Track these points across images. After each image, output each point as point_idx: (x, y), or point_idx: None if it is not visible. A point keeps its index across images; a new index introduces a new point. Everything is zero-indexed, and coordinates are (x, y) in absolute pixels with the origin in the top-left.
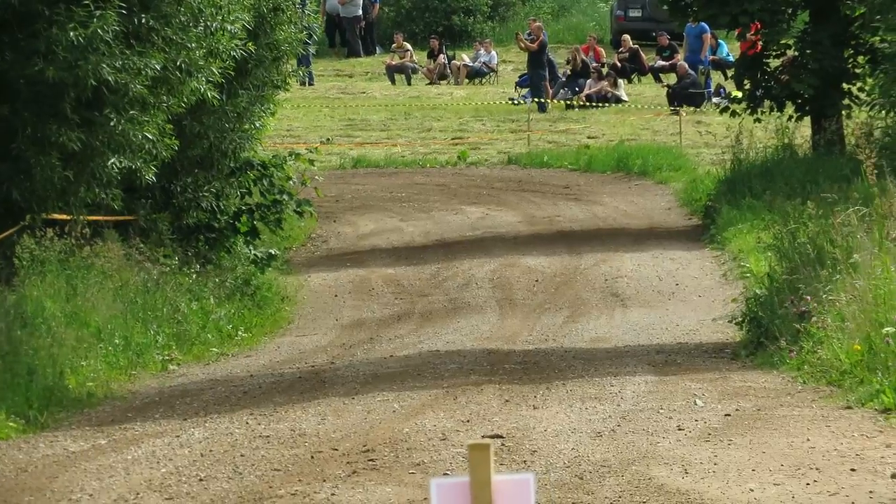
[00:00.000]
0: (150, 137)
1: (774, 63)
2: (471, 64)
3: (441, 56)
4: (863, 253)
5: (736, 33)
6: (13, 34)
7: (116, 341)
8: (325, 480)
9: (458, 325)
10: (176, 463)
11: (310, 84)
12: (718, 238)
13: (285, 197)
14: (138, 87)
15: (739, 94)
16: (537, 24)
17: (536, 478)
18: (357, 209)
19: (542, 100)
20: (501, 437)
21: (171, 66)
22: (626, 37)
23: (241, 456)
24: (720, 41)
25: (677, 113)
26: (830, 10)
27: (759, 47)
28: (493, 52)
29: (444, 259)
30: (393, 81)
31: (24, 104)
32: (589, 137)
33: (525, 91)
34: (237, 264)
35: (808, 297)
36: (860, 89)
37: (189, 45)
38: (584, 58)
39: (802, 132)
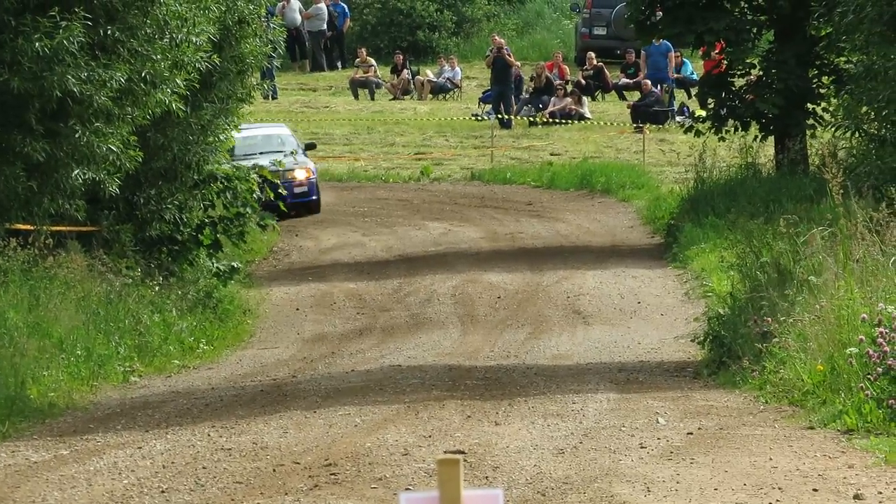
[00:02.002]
0: (115, 149)
1: (739, 82)
2: (435, 79)
3: (405, 71)
4: (826, 273)
5: (700, 52)
6: None
7: (78, 352)
8: (286, 494)
9: (420, 341)
10: (138, 475)
11: (273, 98)
12: (681, 257)
13: (248, 210)
14: (103, 98)
15: (703, 113)
16: (499, 40)
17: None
18: (319, 223)
19: (505, 116)
20: (463, 452)
21: (137, 78)
22: (591, 54)
23: (203, 468)
24: (685, 59)
25: (641, 131)
26: (795, 30)
27: (724, 66)
28: (458, 68)
29: (406, 274)
30: (356, 96)
31: None
32: (552, 154)
33: (488, 107)
34: (199, 277)
35: (771, 319)
36: (824, 109)
37: (154, 57)
38: (549, 75)
39: (766, 152)
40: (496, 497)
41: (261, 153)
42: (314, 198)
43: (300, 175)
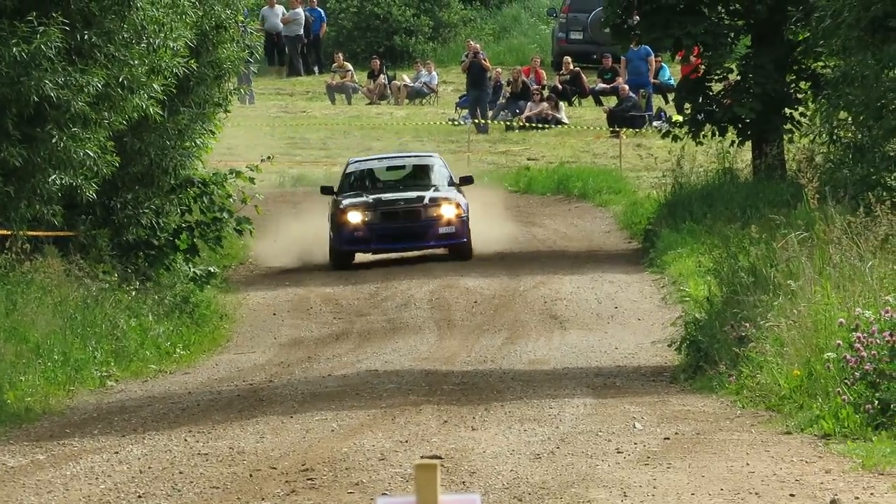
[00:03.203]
0: (92, 154)
1: (716, 87)
2: (411, 84)
3: (381, 76)
4: (803, 278)
5: (678, 57)
6: None
7: (55, 357)
8: (263, 499)
9: (397, 346)
10: (115, 479)
11: (250, 103)
12: (658, 262)
13: (225, 215)
14: (80, 103)
15: (680, 118)
16: (475, 45)
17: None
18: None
19: (481, 121)
20: (440, 457)
21: (114, 83)
22: (568, 59)
23: (180, 473)
24: (663, 64)
25: (618, 136)
26: (773, 35)
27: (701, 71)
28: (434, 73)
29: (382, 279)
30: (333, 101)
31: None
32: (529, 159)
33: (465, 112)
34: (176, 282)
35: (747, 324)
36: (802, 114)
37: (131, 62)
38: (525, 80)
39: (743, 157)
40: (473, 502)
41: (403, 186)
42: (464, 240)
43: (447, 212)
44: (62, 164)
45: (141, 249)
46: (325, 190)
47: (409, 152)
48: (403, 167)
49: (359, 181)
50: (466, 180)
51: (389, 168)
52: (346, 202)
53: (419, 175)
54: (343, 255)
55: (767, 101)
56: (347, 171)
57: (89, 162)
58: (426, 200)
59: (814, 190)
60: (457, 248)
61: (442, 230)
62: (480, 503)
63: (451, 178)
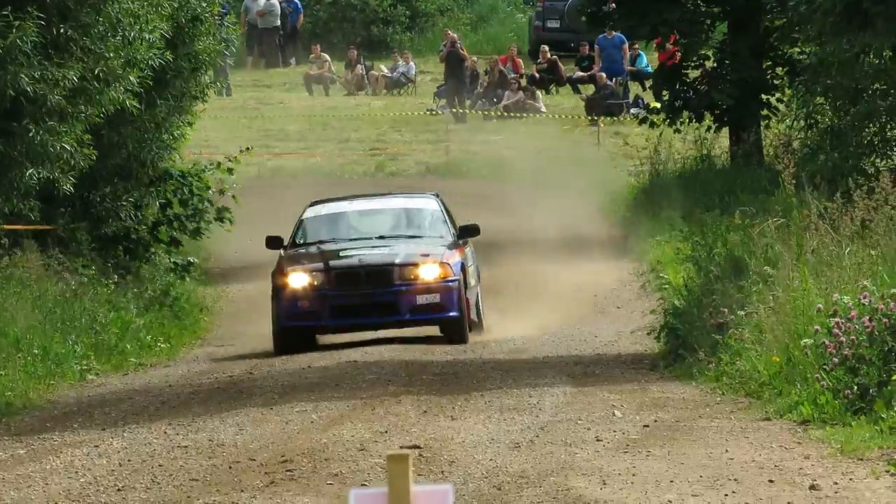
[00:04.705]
0: (69, 148)
1: (693, 74)
2: (389, 74)
3: (359, 67)
4: (781, 265)
5: (655, 44)
6: None
7: (35, 351)
8: (243, 491)
9: (376, 334)
10: (94, 473)
11: (227, 95)
12: (637, 249)
13: (205, 205)
14: (57, 97)
15: (658, 105)
16: (452, 34)
17: (455, 488)
18: (275, 219)
19: (459, 110)
20: (419, 447)
21: (90, 76)
22: (545, 47)
23: (160, 466)
24: (640, 52)
25: (596, 124)
26: (749, 21)
27: (678, 58)
28: (412, 63)
29: None
30: (311, 92)
31: None
32: (507, 148)
33: (443, 102)
34: (156, 275)
35: (726, 311)
36: (779, 100)
37: (107, 55)
38: (503, 69)
39: (721, 143)
40: (446, 493)
41: (380, 238)
42: (453, 314)
43: (428, 275)
44: (39, 158)
45: (120, 242)
46: (272, 242)
47: (394, 192)
48: (382, 212)
49: (318, 232)
50: (470, 231)
51: (363, 214)
52: (289, 261)
53: (402, 223)
54: (286, 333)
55: (744, 88)
56: (304, 217)
57: (66, 155)
58: (399, 259)
59: (791, 176)
60: (445, 326)
61: (421, 300)
62: (453, 494)
63: (449, 226)
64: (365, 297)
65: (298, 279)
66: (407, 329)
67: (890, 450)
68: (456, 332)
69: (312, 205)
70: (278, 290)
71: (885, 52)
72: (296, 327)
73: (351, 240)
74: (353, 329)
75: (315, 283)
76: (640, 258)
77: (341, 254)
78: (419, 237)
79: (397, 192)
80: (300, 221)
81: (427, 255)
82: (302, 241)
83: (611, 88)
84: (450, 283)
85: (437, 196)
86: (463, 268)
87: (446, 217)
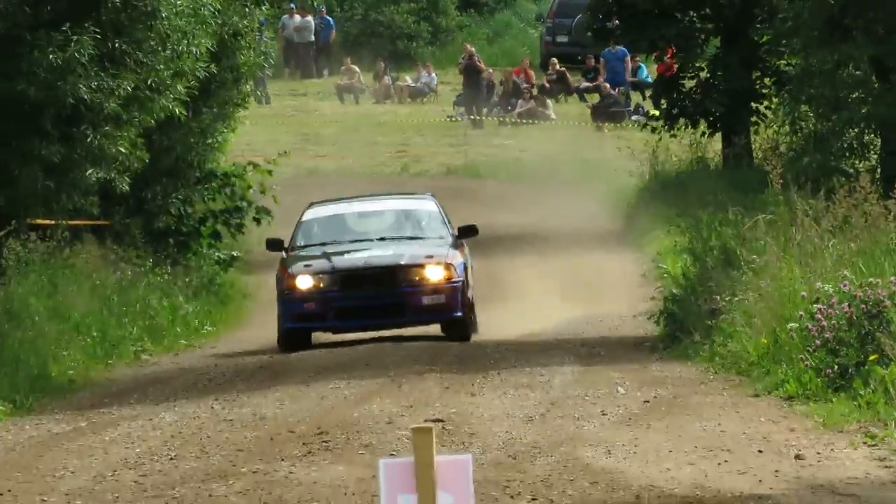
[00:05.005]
0: (124, 150)
1: (689, 84)
2: (413, 84)
3: (386, 77)
4: (769, 256)
5: (654, 56)
6: None
7: (94, 334)
8: (283, 460)
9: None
10: (149, 443)
11: (266, 103)
12: (638, 242)
13: (245, 204)
14: (112, 105)
15: (657, 112)
16: (470, 48)
17: (474, 458)
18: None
19: (476, 117)
20: (442, 420)
21: (142, 86)
22: (554, 60)
23: (208, 437)
24: (641, 64)
25: (600, 129)
26: (740, 36)
27: (675, 69)
28: (433, 74)
29: None
30: (342, 100)
31: (8, 120)
32: (520, 151)
33: (462, 109)
34: (203, 265)
35: (719, 297)
36: (766, 108)
37: (157, 67)
38: (516, 79)
39: (714, 147)
40: (466, 462)
41: (378, 240)
42: (457, 314)
43: (434, 276)
44: (97, 159)
45: (170, 236)
46: (272, 245)
47: (391, 193)
48: (382, 213)
49: (318, 233)
50: (468, 231)
51: (362, 215)
52: (294, 264)
53: (402, 224)
54: (290, 335)
55: (735, 97)
56: (304, 219)
57: (122, 157)
58: (404, 260)
59: (778, 176)
60: (448, 326)
61: (426, 301)
62: (472, 463)
63: (447, 227)
64: (371, 298)
65: (304, 281)
66: (408, 328)
67: (867, 423)
68: (459, 331)
69: (311, 206)
70: (284, 293)
71: (864, 63)
72: (301, 329)
73: (352, 241)
74: (358, 330)
75: (321, 285)
76: (641, 250)
77: (346, 256)
78: (420, 238)
79: (395, 193)
80: (300, 223)
81: (431, 257)
82: (303, 244)
83: (614, 97)
84: (454, 284)
85: (434, 197)
86: (465, 268)
87: (444, 217)
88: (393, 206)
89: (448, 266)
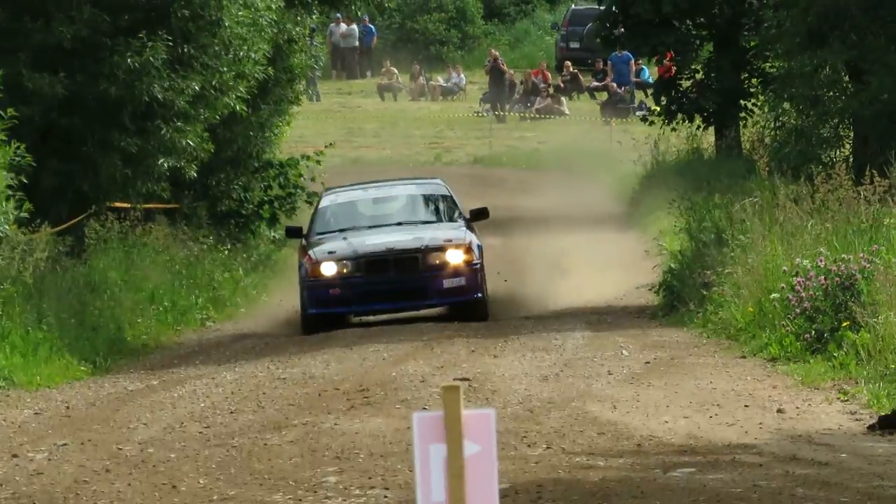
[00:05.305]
0: (192, 143)
1: (686, 84)
2: (444, 84)
3: (421, 78)
4: (755, 235)
5: (655, 60)
6: (83, 61)
7: (165, 303)
8: (329, 413)
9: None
10: (212, 399)
11: (316, 100)
12: (641, 222)
13: (298, 190)
14: (182, 102)
15: (658, 109)
16: (495, 52)
17: (496, 412)
18: None
19: (500, 112)
20: (468, 379)
21: (208, 86)
22: (568, 63)
23: (264, 394)
24: (643, 66)
25: (608, 123)
26: (730, 42)
27: (673, 71)
28: (462, 75)
29: None
30: (382, 98)
31: (91, 116)
32: (538, 143)
33: (487, 106)
34: (260, 243)
35: (711, 271)
36: (753, 105)
37: (221, 69)
38: (535, 80)
39: (708, 139)
40: (489, 416)
41: (396, 225)
42: (477, 296)
43: (454, 259)
44: (169, 150)
45: (232, 218)
46: (292, 232)
47: (403, 179)
48: (396, 198)
49: (336, 219)
50: (480, 213)
51: (377, 201)
52: (316, 250)
53: (417, 208)
54: (315, 320)
55: (726, 95)
56: (321, 205)
57: (190, 149)
58: (425, 244)
59: (764, 165)
60: (467, 307)
61: (447, 283)
62: (495, 417)
63: (458, 210)
64: (394, 283)
65: (328, 268)
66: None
67: (840, 382)
68: (479, 312)
69: (327, 193)
70: (307, 279)
71: (838, 66)
72: (326, 314)
73: (370, 227)
74: (381, 313)
75: (344, 270)
76: (643, 230)
77: (367, 241)
78: (436, 222)
79: (403, 179)
80: (317, 210)
81: (451, 240)
82: (322, 230)
83: (620, 95)
84: (474, 266)
85: (444, 181)
86: (481, 250)
87: (455, 199)
88: (406, 192)
89: (468, 249)
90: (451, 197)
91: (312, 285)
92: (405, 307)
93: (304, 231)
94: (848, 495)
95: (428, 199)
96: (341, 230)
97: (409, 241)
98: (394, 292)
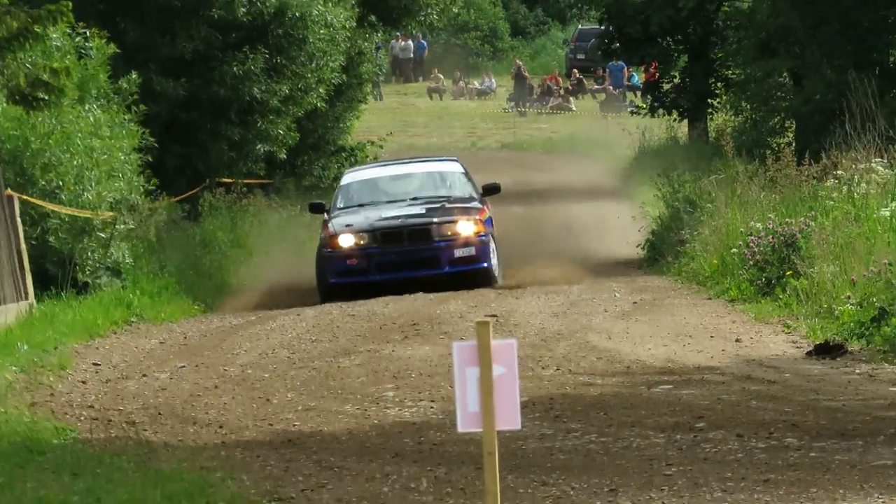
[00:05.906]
0: (282, 132)
1: (666, 86)
2: (479, 87)
3: (461, 82)
4: (718, 204)
5: (643, 68)
6: (199, 69)
7: (261, 256)
8: (388, 342)
9: None
10: (297, 331)
11: (380, 100)
12: (630, 193)
13: None
14: (275, 101)
15: (644, 106)
16: (518, 62)
17: (518, 342)
18: None
19: (522, 109)
20: (496, 316)
21: (295, 89)
22: (575, 70)
23: (337, 327)
24: (633, 73)
25: (606, 118)
26: (701, 54)
27: (657, 77)
28: (493, 80)
29: None
30: (431, 98)
31: (205, 111)
32: (552, 133)
33: (512, 104)
34: None
35: (684, 231)
36: (719, 103)
37: (306, 76)
38: (549, 84)
39: (683, 129)
40: (512, 345)
41: (412, 200)
42: (485, 265)
43: (465, 230)
44: (264, 138)
45: (314, 190)
46: (315, 207)
47: (421, 157)
48: (413, 175)
49: (356, 196)
50: (492, 189)
51: (395, 178)
52: (335, 223)
53: (433, 185)
54: (333, 289)
55: (698, 96)
56: (343, 182)
57: (280, 137)
58: (438, 216)
59: (728, 149)
60: (475, 275)
61: (458, 253)
62: (517, 345)
63: (473, 186)
64: (408, 253)
65: (346, 240)
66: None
67: (785, 318)
68: (488, 279)
69: (349, 171)
70: (327, 251)
71: (784, 73)
72: (342, 283)
73: (388, 202)
74: (397, 282)
75: (361, 242)
76: (632, 200)
77: (384, 215)
78: (450, 197)
79: (421, 157)
80: (339, 187)
81: (462, 213)
82: (343, 206)
83: (615, 96)
84: (483, 238)
85: (458, 160)
86: (491, 223)
87: (469, 177)
88: (423, 169)
89: (477, 222)
90: (466, 174)
91: (331, 256)
92: (418, 276)
93: (327, 207)
94: (791, 406)
95: (443, 175)
96: (361, 205)
97: (423, 214)
98: (409, 262)
